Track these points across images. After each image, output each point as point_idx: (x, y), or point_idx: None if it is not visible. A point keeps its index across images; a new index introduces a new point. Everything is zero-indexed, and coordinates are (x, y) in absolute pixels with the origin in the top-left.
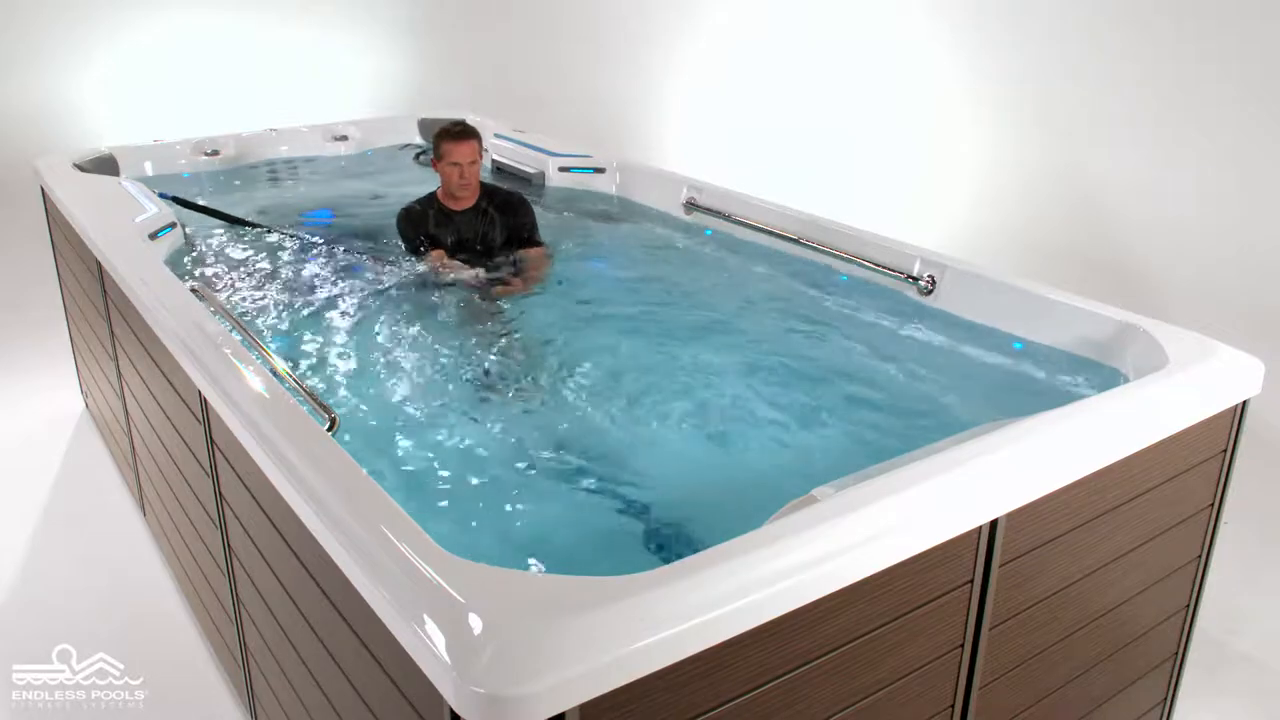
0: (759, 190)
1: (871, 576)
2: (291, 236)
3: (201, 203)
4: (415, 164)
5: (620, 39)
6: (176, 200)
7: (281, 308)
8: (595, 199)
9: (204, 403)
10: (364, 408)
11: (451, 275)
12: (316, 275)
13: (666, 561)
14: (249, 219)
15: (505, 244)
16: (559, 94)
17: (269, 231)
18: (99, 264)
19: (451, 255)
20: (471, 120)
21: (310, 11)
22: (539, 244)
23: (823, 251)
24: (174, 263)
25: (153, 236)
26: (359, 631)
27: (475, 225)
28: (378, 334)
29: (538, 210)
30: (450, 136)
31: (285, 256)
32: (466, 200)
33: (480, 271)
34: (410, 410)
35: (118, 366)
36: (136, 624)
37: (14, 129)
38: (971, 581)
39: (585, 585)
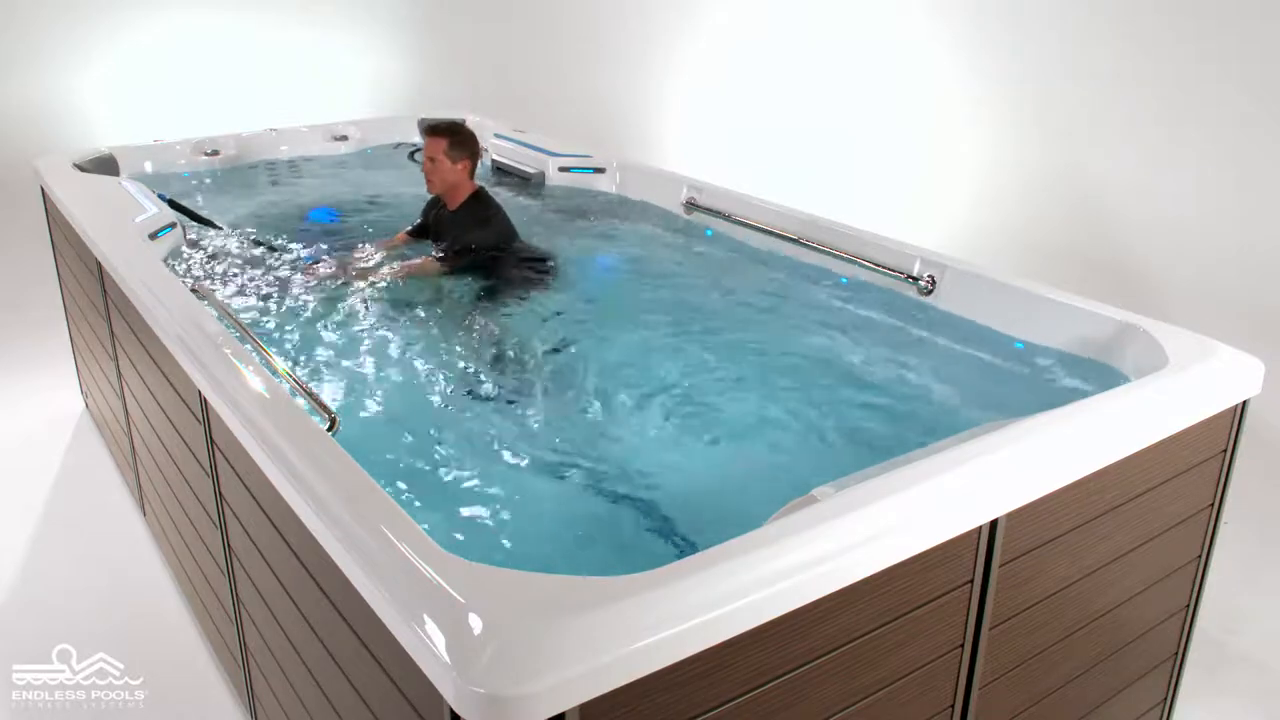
0: (759, 190)
1: (871, 576)
2: (283, 247)
3: (193, 208)
4: (411, 161)
5: (620, 39)
6: (172, 204)
7: (281, 307)
8: (595, 199)
9: (204, 403)
10: (364, 408)
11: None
12: (316, 275)
13: (667, 561)
14: (246, 231)
15: (455, 248)
16: (559, 94)
17: (264, 245)
18: (99, 264)
19: (435, 246)
20: (471, 120)
21: (310, 11)
22: (444, 256)
23: (823, 251)
24: (174, 263)
25: (153, 236)
26: (359, 631)
27: (448, 225)
28: (378, 334)
29: (537, 211)
30: (423, 131)
31: (285, 257)
32: (449, 199)
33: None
34: (410, 410)
35: (118, 366)
36: (136, 624)
37: (14, 129)
38: (971, 581)
39: (585, 585)
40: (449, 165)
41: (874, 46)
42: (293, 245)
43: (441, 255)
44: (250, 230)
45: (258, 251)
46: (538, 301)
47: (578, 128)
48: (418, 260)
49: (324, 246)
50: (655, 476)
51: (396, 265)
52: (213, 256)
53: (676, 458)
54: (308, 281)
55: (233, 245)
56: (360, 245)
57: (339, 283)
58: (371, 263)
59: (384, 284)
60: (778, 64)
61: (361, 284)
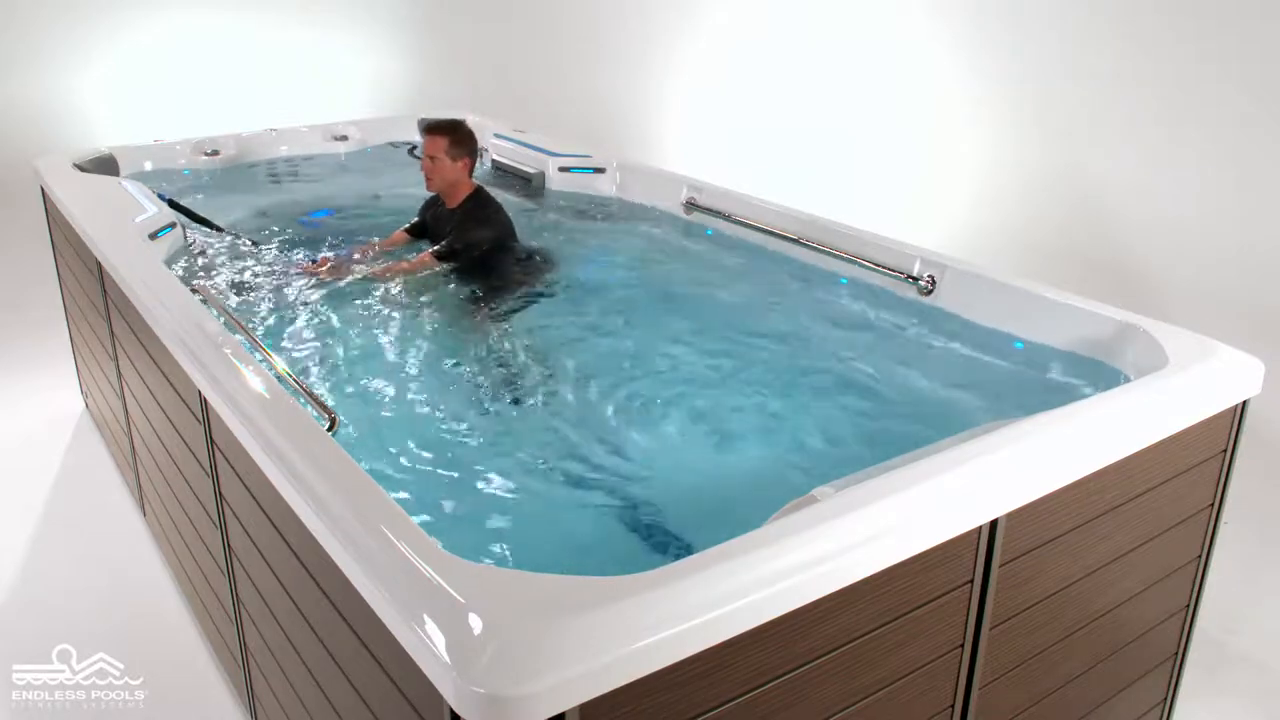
0: (759, 190)
1: (871, 576)
2: (280, 249)
3: (194, 210)
4: (411, 158)
5: (620, 39)
6: (172, 204)
7: (281, 307)
8: (595, 199)
9: (204, 403)
10: (364, 408)
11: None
12: (316, 276)
13: (667, 561)
14: (240, 235)
15: (454, 246)
16: (559, 94)
17: (258, 247)
18: (99, 264)
19: (432, 245)
20: (471, 120)
21: (310, 11)
22: (443, 253)
23: (823, 251)
24: (174, 263)
25: (153, 236)
26: (359, 631)
27: (446, 223)
28: (378, 334)
29: (537, 211)
30: (422, 129)
31: (285, 258)
32: (448, 197)
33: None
34: (410, 410)
35: (118, 366)
36: (136, 624)
37: (14, 129)
38: (971, 581)
39: (585, 585)
40: (449, 164)
41: (874, 46)
42: (296, 247)
43: (438, 251)
44: (249, 237)
45: (250, 250)
46: (537, 302)
47: (578, 128)
48: (412, 257)
49: (322, 247)
50: (654, 477)
51: (392, 263)
52: (213, 257)
53: (675, 458)
54: (307, 281)
55: (231, 246)
56: (359, 244)
57: (342, 282)
58: (368, 261)
59: (384, 284)
60: (778, 64)
61: (362, 284)
